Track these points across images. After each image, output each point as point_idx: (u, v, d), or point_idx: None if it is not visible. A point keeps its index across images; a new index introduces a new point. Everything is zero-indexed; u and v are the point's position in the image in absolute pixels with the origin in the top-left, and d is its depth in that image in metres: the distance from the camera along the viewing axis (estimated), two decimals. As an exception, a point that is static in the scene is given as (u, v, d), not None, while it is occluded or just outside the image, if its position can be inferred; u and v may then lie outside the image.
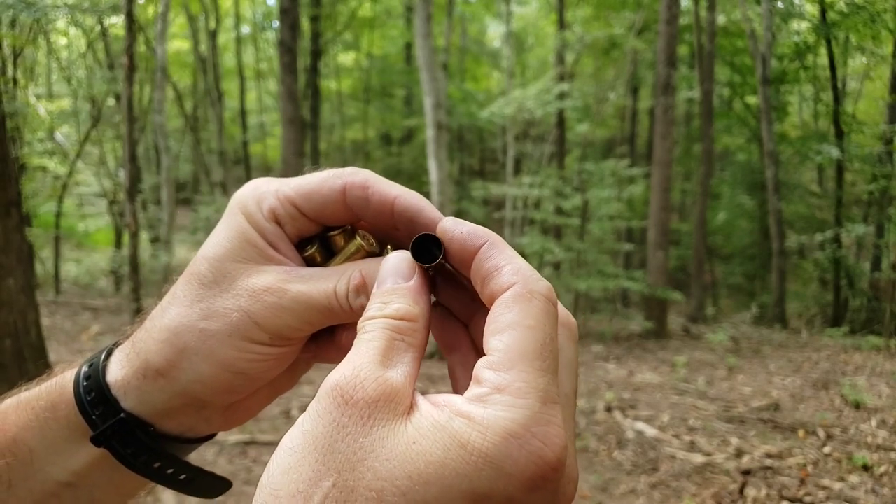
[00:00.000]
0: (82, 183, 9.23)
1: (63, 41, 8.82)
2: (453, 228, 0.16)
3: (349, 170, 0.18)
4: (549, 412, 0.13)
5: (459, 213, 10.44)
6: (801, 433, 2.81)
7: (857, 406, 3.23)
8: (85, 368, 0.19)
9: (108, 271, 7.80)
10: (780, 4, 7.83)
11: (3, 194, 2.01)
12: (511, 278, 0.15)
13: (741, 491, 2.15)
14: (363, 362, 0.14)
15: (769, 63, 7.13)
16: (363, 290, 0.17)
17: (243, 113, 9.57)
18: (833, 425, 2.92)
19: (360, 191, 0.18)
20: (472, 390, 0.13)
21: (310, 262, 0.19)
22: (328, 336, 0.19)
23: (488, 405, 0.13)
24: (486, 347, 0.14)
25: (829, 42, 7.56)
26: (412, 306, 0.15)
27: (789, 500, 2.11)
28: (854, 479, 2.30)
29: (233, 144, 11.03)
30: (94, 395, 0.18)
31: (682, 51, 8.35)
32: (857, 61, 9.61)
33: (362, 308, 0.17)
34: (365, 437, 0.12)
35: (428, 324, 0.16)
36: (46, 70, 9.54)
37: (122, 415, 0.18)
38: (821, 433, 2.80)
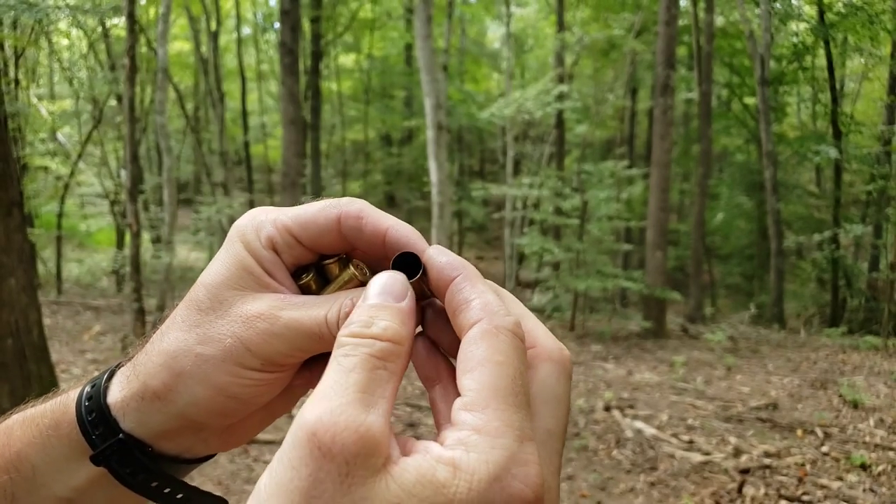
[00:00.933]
0: (84, 183, 9.23)
1: (65, 42, 8.83)
2: (435, 256, 0.17)
3: (345, 200, 0.19)
4: (526, 450, 0.13)
5: (459, 213, 10.47)
6: (799, 432, 2.82)
7: (855, 405, 3.24)
8: (87, 389, 0.20)
9: (109, 271, 7.80)
10: (778, 6, 7.85)
11: (5, 194, 2.00)
12: (478, 314, 0.15)
13: (740, 490, 2.15)
14: (342, 403, 0.13)
15: (767, 64, 7.16)
16: (337, 306, 0.18)
17: (244, 114, 9.52)
18: (831, 425, 2.94)
19: (355, 220, 0.18)
20: (453, 434, 0.13)
21: (305, 290, 0.20)
22: (322, 362, 0.18)
23: (470, 449, 0.13)
24: (459, 386, 0.14)
25: (827, 43, 7.58)
26: (401, 327, 0.15)
27: (787, 498, 2.11)
28: (852, 477, 2.31)
29: (234, 145, 11.04)
30: (95, 416, 0.19)
31: (681, 52, 8.37)
32: (855, 62, 9.63)
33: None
34: (342, 496, 0.12)
35: (410, 351, 0.16)
36: (48, 71, 9.56)
37: (120, 435, 0.19)
38: (819, 432, 2.81)
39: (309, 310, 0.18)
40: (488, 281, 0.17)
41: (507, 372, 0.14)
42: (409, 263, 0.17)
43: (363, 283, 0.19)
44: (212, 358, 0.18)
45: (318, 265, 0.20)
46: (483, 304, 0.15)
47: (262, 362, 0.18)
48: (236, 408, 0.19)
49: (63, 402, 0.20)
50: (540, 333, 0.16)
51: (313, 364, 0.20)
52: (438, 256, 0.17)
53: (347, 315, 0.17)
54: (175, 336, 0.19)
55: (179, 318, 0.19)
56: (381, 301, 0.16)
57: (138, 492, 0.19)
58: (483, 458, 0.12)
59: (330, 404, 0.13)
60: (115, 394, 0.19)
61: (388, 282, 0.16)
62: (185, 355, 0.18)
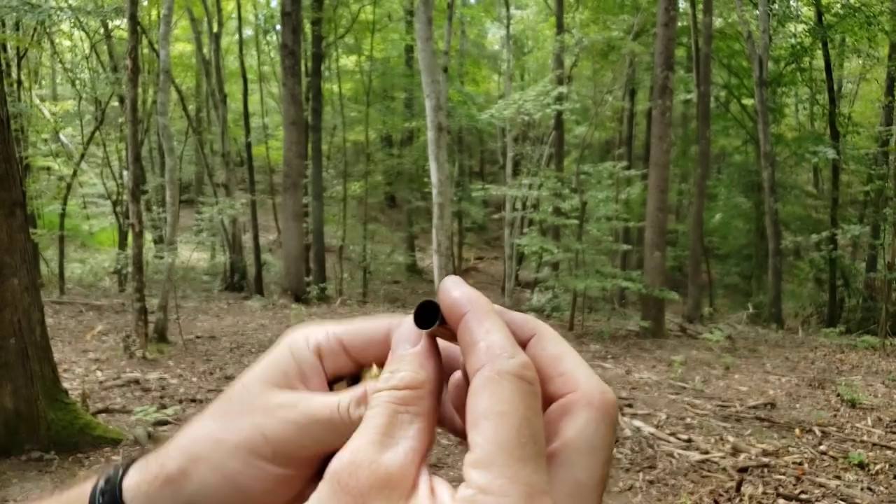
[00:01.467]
0: (86, 184, 9.21)
1: (67, 43, 8.88)
2: (445, 293, 0.16)
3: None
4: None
5: (460, 214, 10.46)
6: (797, 431, 2.82)
7: (853, 405, 3.24)
8: (109, 472, 0.20)
9: (111, 271, 7.81)
10: (776, 7, 7.89)
11: (8, 195, 1.99)
12: (481, 359, 0.14)
13: (738, 488, 2.15)
14: (361, 444, 0.14)
15: (766, 65, 7.15)
16: (364, 401, 0.17)
17: (246, 115, 9.43)
18: (829, 424, 2.94)
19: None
20: (461, 491, 0.13)
21: None
22: None
23: None
24: (469, 441, 0.14)
25: (825, 44, 7.57)
26: (417, 372, 0.15)
27: (786, 497, 2.11)
28: (850, 476, 2.31)
29: (236, 146, 10.99)
30: (107, 497, 0.19)
31: (680, 53, 8.35)
32: (853, 63, 9.66)
33: (360, 419, 0.17)
34: None
35: (437, 388, 0.16)
36: (51, 72, 9.59)
37: None
38: (817, 431, 2.81)
39: (325, 398, 0.18)
40: (503, 311, 0.16)
41: (512, 422, 0.13)
42: (431, 310, 0.16)
43: None
44: (228, 443, 0.18)
45: (355, 374, 0.20)
46: (486, 347, 0.15)
47: (273, 451, 0.18)
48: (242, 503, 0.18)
49: (83, 490, 0.20)
50: (581, 376, 0.16)
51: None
52: (449, 294, 0.16)
53: (358, 399, 0.17)
54: (201, 423, 0.19)
55: (212, 408, 0.19)
56: (399, 352, 0.16)
57: None
58: None
59: (352, 448, 0.14)
60: (132, 477, 0.19)
61: (400, 332, 0.17)
62: (205, 440, 0.18)
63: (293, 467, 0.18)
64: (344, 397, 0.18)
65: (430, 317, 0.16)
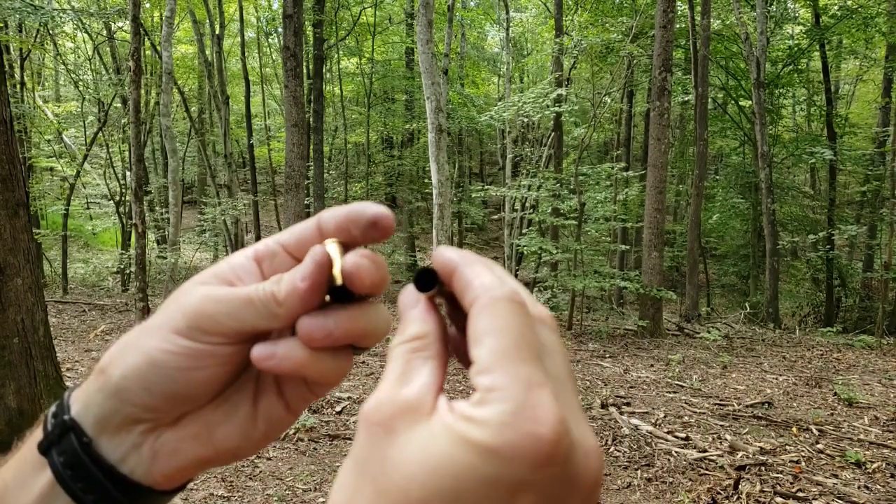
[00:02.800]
0: (89, 184, 9.25)
1: (70, 45, 8.90)
2: (438, 257, 0.18)
3: (330, 209, 0.20)
4: (535, 394, 0.14)
5: (459, 214, 10.47)
6: (794, 430, 2.83)
7: (850, 403, 3.26)
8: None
9: (114, 271, 7.77)
10: (774, 9, 7.94)
11: (12, 195, 1.99)
12: (475, 292, 0.16)
13: (735, 486, 2.16)
14: (384, 387, 0.16)
15: (763, 67, 7.17)
16: (277, 280, 0.19)
17: (248, 116, 9.40)
18: (826, 422, 2.95)
19: (328, 213, 0.19)
20: (472, 397, 0.15)
21: None
22: (287, 337, 0.19)
23: (483, 405, 0.14)
24: (471, 357, 0.16)
25: (822, 46, 7.60)
26: (421, 325, 0.17)
27: (783, 495, 2.11)
28: (847, 475, 2.32)
29: (238, 147, 11.02)
30: (56, 408, 0.19)
31: (677, 55, 8.39)
32: (850, 65, 9.70)
33: (272, 293, 0.18)
34: (390, 448, 0.14)
35: (442, 335, 0.17)
36: (54, 73, 9.61)
37: (65, 417, 0.18)
38: (814, 430, 2.82)
39: (248, 285, 0.19)
40: (487, 260, 0.18)
41: (509, 334, 0.15)
42: (425, 276, 0.18)
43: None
44: (151, 326, 0.19)
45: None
46: (480, 283, 0.17)
47: (188, 324, 0.18)
48: (158, 387, 0.18)
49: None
50: (481, 282, 0.17)
51: (278, 339, 0.19)
52: (442, 255, 0.18)
53: (277, 278, 0.19)
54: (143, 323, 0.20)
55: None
56: (405, 315, 0.18)
57: (65, 488, 0.18)
58: (494, 408, 0.14)
59: (377, 393, 0.16)
60: (76, 389, 0.20)
61: (402, 298, 0.18)
62: (134, 331, 0.19)
63: (206, 342, 0.19)
64: (267, 283, 0.19)
65: (429, 282, 0.18)
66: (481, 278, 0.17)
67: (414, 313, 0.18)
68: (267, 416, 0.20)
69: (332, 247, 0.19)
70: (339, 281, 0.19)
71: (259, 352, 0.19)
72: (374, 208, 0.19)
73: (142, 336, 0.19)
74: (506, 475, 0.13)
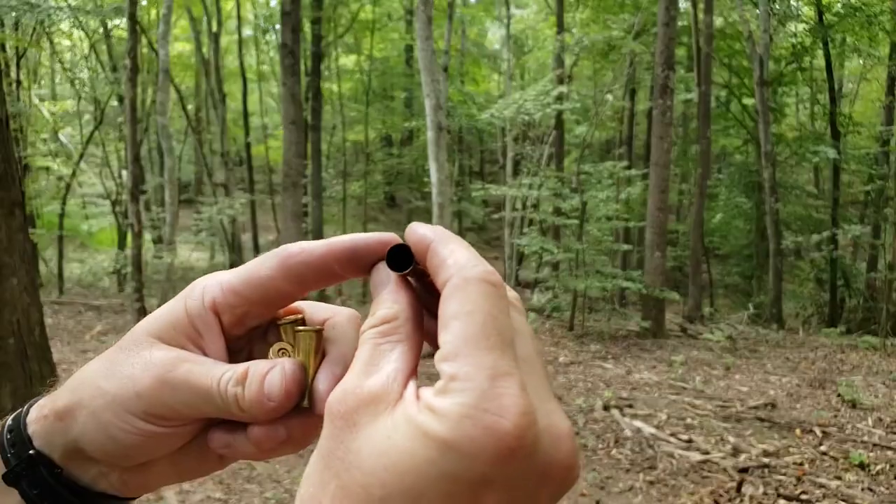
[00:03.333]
0: (85, 184, 9.20)
1: (66, 43, 8.86)
2: (411, 233, 0.17)
3: (283, 245, 0.19)
4: (500, 385, 0.13)
5: (459, 214, 10.47)
6: (797, 432, 2.82)
7: (854, 405, 3.25)
8: (18, 412, 0.20)
9: (111, 271, 7.77)
10: (777, 7, 7.88)
11: (7, 195, 1.98)
12: (448, 272, 0.16)
13: (738, 489, 2.16)
14: (349, 377, 0.15)
15: (766, 65, 7.12)
16: (242, 381, 0.18)
17: (245, 115, 9.43)
18: (830, 424, 2.94)
19: (297, 254, 0.18)
20: (436, 384, 0.14)
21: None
22: (243, 431, 0.19)
23: (446, 394, 0.14)
24: (439, 342, 0.15)
25: (825, 44, 7.54)
26: (390, 306, 0.17)
27: (786, 497, 2.12)
28: (850, 477, 2.31)
29: (235, 146, 11.03)
30: (13, 435, 0.19)
31: (680, 53, 8.34)
32: (853, 63, 9.65)
33: (235, 397, 0.18)
34: (353, 442, 0.14)
35: (414, 316, 0.17)
36: (50, 72, 9.58)
37: (31, 451, 0.19)
38: (817, 432, 2.81)
39: (211, 368, 0.18)
40: (460, 238, 0.17)
41: (477, 319, 0.14)
42: (400, 254, 0.17)
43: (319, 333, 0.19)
44: (106, 394, 0.18)
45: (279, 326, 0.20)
46: (454, 262, 0.16)
47: (145, 410, 0.18)
48: (118, 453, 0.18)
49: None
50: (455, 260, 0.16)
51: (236, 431, 0.19)
52: (415, 232, 0.17)
53: (238, 377, 0.18)
54: (92, 366, 0.19)
55: (110, 349, 0.20)
56: (374, 296, 0.17)
57: None
58: (455, 400, 0.13)
59: (342, 383, 0.15)
60: (33, 412, 0.19)
61: (373, 278, 0.18)
62: (89, 384, 0.19)
63: (166, 426, 0.18)
64: (227, 373, 0.18)
65: (403, 259, 0.17)
66: (455, 255, 0.16)
67: (385, 293, 0.17)
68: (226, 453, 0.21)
69: (305, 341, 0.19)
70: (305, 403, 0.18)
71: (217, 442, 0.19)
72: (352, 239, 0.18)
73: (96, 400, 0.18)
74: (466, 471, 0.13)
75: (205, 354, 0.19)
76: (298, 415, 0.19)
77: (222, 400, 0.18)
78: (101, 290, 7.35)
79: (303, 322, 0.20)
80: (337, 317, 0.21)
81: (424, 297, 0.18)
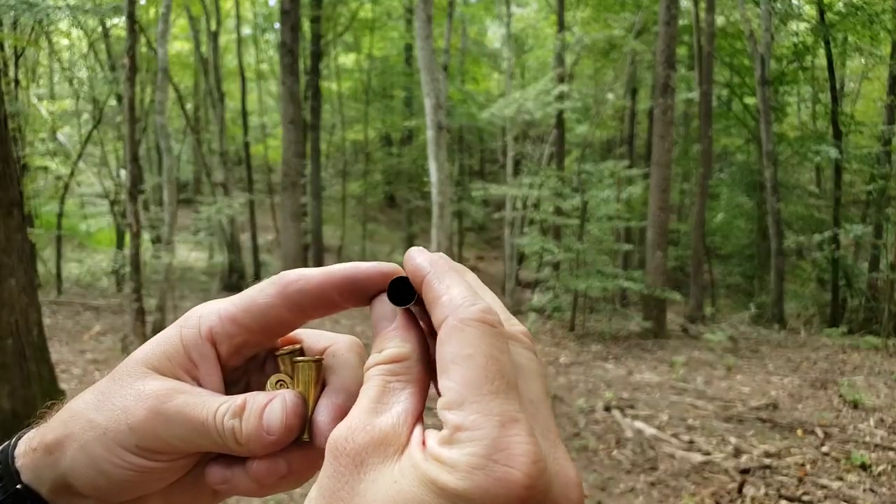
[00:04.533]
0: (84, 183, 9.19)
1: (65, 42, 8.83)
2: (408, 262, 0.17)
3: (281, 273, 0.19)
4: (508, 433, 0.13)
5: (459, 213, 10.46)
6: (799, 432, 2.82)
7: (856, 405, 3.24)
8: (7, 444, 0.20)
9: (109, 271, 7.78)
10: (778, 5, 7.84)
11: (6, 194, 1.99)
12: (444, 311, 0.15)
13: (740, 490, 2.15)
14: (357, 413, 0.15)
15: (768, 64, 7.10)
16: (239, 413, 0.18)
17: (244, 114, 9.38)
18: (831, 424, 2.94)
19: (295, 281, 0.18)
20: (441, 433, 0.14)
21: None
22: (241, 466, 0.18)
23: (453, 445, 0.13)
24: (440, 389, 0.15)
25: (827, 43, 7.53)
26: (400, 346, 0.16)
27: (788, 498, 2.11)
28: (852, 477, 2.31)
29: (234, 145, 11.00)
30: (0, 468, 0.19)
31: (681, 52, 8.32)
32: (855, 62, 9.62)
33: (232, 431, 0.17)
34: (359, 483, 0.14)
35: (423, 356, 0.17)
36: (48, 71, 9.55)
37: (18, 486, 0.18)
38: (819, 432, 2.81)
39: (207, 399, 0.18)
40: (458, 266, 0.17)
41: (478, 362, 0.14)
42: (401, 287, 0.17)
43: (318, 363, 0.19)
44: (98, 427, 0.18)
45: (275, 356, 0.20)
46: (448, 300, 0.15)
47: (138, 443, 0.17)
48: (108, 488, 0.18)
49: None
50: (449, 297, 0.16)
51: (233, 465, 0.19)
52: (413, 261, 0.17)
53: (235, 410, 0.17)
54: (83, 397, 0.19)
55: (99, 383, 0.19)
56: (382, 330, 0.17)
57: None
58: (464, 450, 0.13)
59: (348, 419, 0.15)
60: (21, 445, 0.19)
61: (378, 311, 0.17)
62: (81, 417, 0.18)
63: (159, 461, 0.18)
64: (224, 405, 0.18)
65: (405, 293, 0.17)
66: (451, 292, 0.16)
67: (391, 331, 0.17)
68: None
69: (304, 371, 0.18)
70: (306, 437, 0.18)
71: (215, 477, 0.19)
72: (352, 268, 0.18)
73: (87, 433, 0.18)
74: None
75: (200, 386, 0.19)
76: (298, 448, 0.18)
77: (219, 433, 0.17)
78: (100, 290, 7.34)
79: (301, 352, 0.20)
80: (337, 344, 0.20)
81: (427, 325, 0.17)
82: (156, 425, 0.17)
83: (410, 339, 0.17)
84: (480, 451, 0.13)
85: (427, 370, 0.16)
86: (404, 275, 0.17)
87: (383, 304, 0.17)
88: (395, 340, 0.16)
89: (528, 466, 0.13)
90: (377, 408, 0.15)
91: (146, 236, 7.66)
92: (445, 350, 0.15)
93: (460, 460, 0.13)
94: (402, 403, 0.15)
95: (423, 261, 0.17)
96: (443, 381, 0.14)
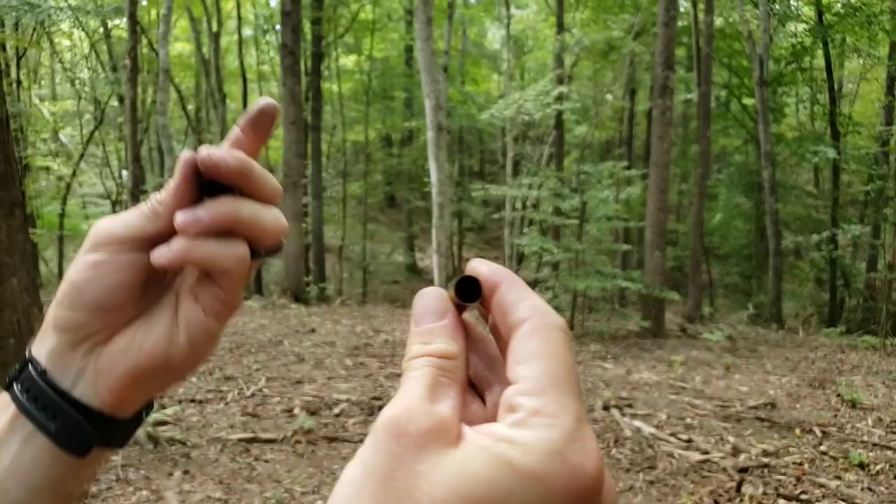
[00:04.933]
0: (86, 184, 9.23)
1: (67, 43, 8.86)
2: (480, 270, 0.17)
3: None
4: (582, 429, 0.14)
5: (459, 214, 10.45)
6: (797, 431, 2.82)
7: (854, 405, 3.24)
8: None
9: (110, 271, 7.87)
10: (777, 7, 7.88)
11: (7, 195, 1.99)
12: (528, 312, 0.16)
13: (738, 488, 2.15)
14: (413, 398, 0.15)
15: (766, 65, 7.14)
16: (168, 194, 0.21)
17: None
18: (829, 424, 2.94)
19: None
20: (509, 417, 0.14)
21: None
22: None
23: (527, 427, 0.14)
24: (512, 377, 0.15)
25: (825, 44, 7.56)
26: (450, 345, 0.17)
27: (786, 497, 2.11)
28: (850, 476, 2.31)
29: (234, 146, 10.97)
30: (22, 372, 0.21)
31: (680, 53, 8.36)
32: (853, 63, 9.65)
33: (155, 199, 0.21)
34: (419, 465, 0.14)
35: (466, 360, 0.17)
36: (50, 72, 9.58)
37: (24, 356, 0.21)
38: (817, 431, 2.81)
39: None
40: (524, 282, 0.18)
41: (562, 362, 0.15)
42: (469, 286, 0.17)
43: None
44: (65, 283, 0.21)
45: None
46: (532, 305, 0.16)
47: (92, 243, 0.21)
48: (80, 300, 0.20)
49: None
50: (525, 306, 0.17)
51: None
52: (482, 268, 0.18)
53: (174, 191, 0.21)
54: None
55: None
56: (427, 324, 0.17)
57: (30, 418, 0.20)
58: (541, 434, 0.13)
59: (403, 401, 0.15)
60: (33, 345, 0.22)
61: (428, 303, 0.18)
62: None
63: (106, 251, 0.21)
64: (163, 192, 0.21)
65: (473, 292, 0.17)
66: (532, 300, 0.17)
67: (441, 327, 0.17)
68: (186, 321, 0.22)
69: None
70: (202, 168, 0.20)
71: (155, 253, 0.21)
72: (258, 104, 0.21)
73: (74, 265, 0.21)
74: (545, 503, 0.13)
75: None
76: (208, 200, 0.21)
77: (147, 207, 0.21)
78: (101, 290, 7.39)
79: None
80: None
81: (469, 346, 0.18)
82: (104, 224, 0.21)
83: (458, 341, 0.17)
84: (559, 437, 0.13)
85: (467, 376, 0.17)
86: (473, 276, 0.17)
87: (435, 297, 0.17)
88: (443, 338, 0.17)
89: (598, 461, 0.14)
90: (432, 396, 0.15)
91: (147, 236, 7.80)
92: (529, 343, 0.15)
93: (537, 443, 0.13)
94: (452, 399, 0.15)
95: (495, 268, 0.17)
96: (520, 370, 0.15)
